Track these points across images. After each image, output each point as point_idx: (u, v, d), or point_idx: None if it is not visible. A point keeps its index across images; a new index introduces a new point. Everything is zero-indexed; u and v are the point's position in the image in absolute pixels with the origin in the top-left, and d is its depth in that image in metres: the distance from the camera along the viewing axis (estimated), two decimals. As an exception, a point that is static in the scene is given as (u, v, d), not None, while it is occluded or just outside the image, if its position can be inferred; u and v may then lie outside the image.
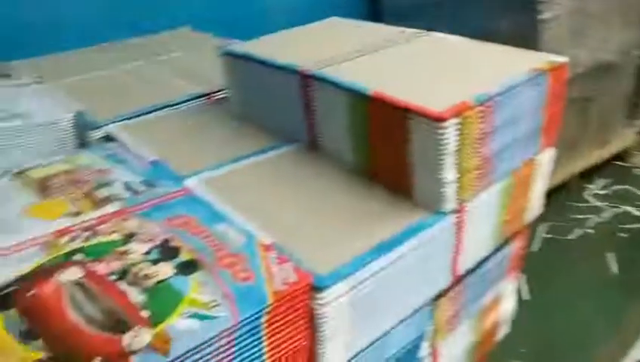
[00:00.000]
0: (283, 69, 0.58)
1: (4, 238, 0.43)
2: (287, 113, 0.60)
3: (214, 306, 0.36)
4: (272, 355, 0.39)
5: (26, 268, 0.39)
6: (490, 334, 0.73)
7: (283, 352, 0.39)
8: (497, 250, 0.61)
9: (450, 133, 0.43)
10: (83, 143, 0.68)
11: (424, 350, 0.57)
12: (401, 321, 0.49)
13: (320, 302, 0.39)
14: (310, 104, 0.56)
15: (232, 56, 0.65)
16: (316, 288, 0.39)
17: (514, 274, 0.70)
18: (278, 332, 0.38)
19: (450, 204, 0.47)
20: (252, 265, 0.40)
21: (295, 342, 0.40)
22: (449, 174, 0.45)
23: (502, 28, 1.07)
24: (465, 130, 0.44)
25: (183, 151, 0.60)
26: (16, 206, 0.48)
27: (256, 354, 0.38)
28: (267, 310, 0.37)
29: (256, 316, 0.36)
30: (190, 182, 0.53)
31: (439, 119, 0.43)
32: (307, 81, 0.55)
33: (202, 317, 0.35)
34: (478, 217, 0.52)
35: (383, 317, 0.47)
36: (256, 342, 0.37)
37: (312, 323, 0.40)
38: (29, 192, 0.50)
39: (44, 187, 0.51)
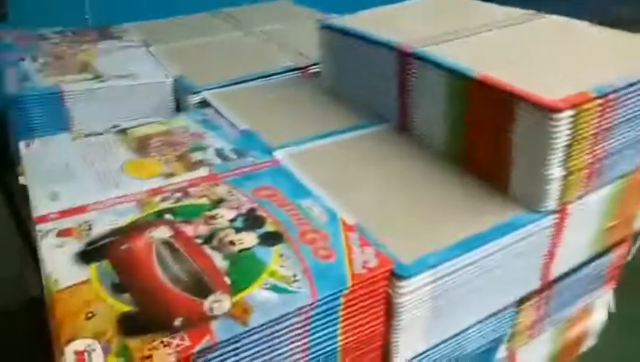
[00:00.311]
0: (381, 44, 0.56)
1: (104, 192, 0.45)
2: (380, 91, 0.58)
3: (294, 281, 0.36)
4: (345, 338, 0.38)
5: (121, 222, 0.41)
6: (575, 344, 0.68)
7: (357, 336, 0.38)
8: (596, 257, 0.56)
9: (562, 125, 0.39)
10: (180, 107, 0.70)
11: (501, 352, 0.54)
12: (482, 320, 0.47)
13: (400, 291, 0.38)
14: (406, 83, 0.54)
15: (329, 29, 0.64)
16: (397, 276, 0.38)
17: (610, 284, 0.65)
18: (353, 316, 0.37)
19: (551, 204, 0.43)
20: (334, 243, 0.39)
21: (370, 327, 0.39)
22: (555, 171, 0.42)
23: (624, 14, 0.97)
24: (580, 124, 0.40)
25: (272, 123, 0.60)
26: (117, 161, 0.50)
27: (331, 335, 0.37)
28: (345, 292, 0.36)
29: (334, 296, 0.36)
30: (278, 154, 0.53)
31: (553, 109, 0.39)
32: (406, 58, 0.53)
33: (281, 291, 0.35)
34: (580, 220, 0.47)
35: (463, 313, 0.44)
36: (331, 323, 0.37)
37: (389, 311, 0.39)
38: (129, 149, 0.53)
39: (142, 145, 0.53)
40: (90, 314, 0.33)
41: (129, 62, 0.74)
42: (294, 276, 0.36)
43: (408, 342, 0.41)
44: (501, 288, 0.46)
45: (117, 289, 0.35)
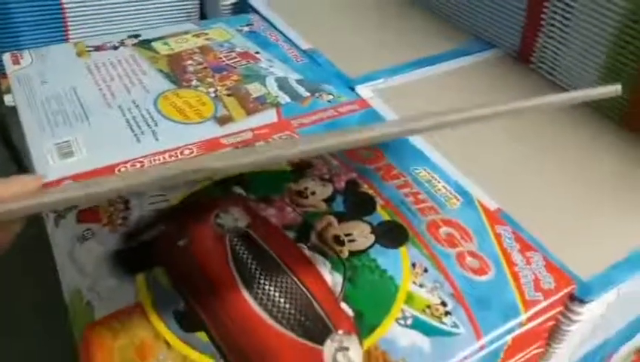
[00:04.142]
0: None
1: (138, 145, 0.31)
2: (498, 6, 0.43)
3: (445, 313, 0.24)
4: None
5: (170, 198, 0.28)
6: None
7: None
8: None
9: None
10: (205, 11, 0.54)
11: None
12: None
13: (575, 317, 0.27)
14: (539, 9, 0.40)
15: None
16: (577, 299, 0.27)
17: None
18: (513, 355, 0.27)
19: None
20: (482, 244, 0.28)
21: (527, 357, 0.28)
22: None
23: None
24: None
25: (346, 42, 0.45)
26: (147, 93, 0.36)
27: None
28: (517, 330, 0.25)
29: (501, 336, 0.25)
30: (363, 90, 0.39)
31: None
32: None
33: (431, 331, 0.23)
34: None
35: (616, 323, 0.34)
36: (488, 368, 0.26)
37: (549, 338, 0.28)
38: (160, 74, 0.38)
39: (177, 67, 0.39)
40: (150, 372, 0.21)
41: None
42: (443, 303, 0.24)
43: (563, 355, 0.31)
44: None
45: (186, 322, 0.23)
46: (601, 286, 0.27)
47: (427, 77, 0.41)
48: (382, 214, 0.29)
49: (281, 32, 0.45)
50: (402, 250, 0.27)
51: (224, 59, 0.41)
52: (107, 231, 0.26)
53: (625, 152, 0.35)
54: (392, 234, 0.27)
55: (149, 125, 0.33)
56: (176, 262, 0.25)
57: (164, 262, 0.25)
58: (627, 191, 0.32)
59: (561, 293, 0.26)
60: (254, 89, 0.37)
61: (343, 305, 0.24)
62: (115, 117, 0.33)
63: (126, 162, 0.30)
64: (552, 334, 0.28)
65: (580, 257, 0.28)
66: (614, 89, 0.22)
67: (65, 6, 0.46)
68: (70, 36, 0.47)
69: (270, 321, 0.23)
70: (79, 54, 0.40)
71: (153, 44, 0.42)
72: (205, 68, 0.39)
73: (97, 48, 0.41)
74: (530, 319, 0.25)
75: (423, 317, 0.24)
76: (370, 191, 0.30)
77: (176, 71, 0.38)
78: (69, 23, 0.47)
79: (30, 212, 0.16)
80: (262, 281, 0.24)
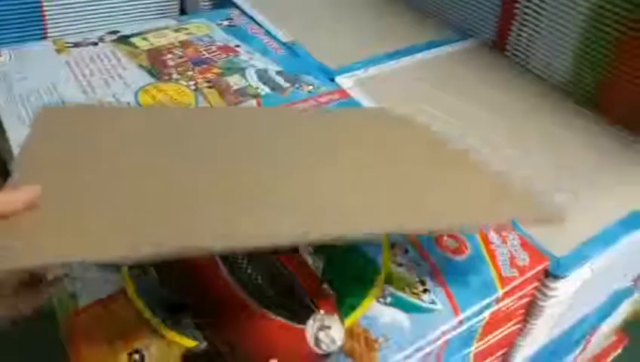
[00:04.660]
0: None
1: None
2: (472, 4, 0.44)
3: (424, 290, 0.25)
4: (475, 354, 0.28)
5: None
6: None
7: (487, 348, 0.29)
8: None
9: None
10: (185, 6, 0.54)
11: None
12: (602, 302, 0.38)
13: (551, 293, 0.28)
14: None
15: None
16: (552, 275, 0.27)
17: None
18: (492, 331, 0.27)
19: None
20: (458, 225, 0.28)
21: (504, 337, 0.29)
22: None
23: None
24: None
25: (325, 34, 0.46)
26: (127, 88, 0.36)
27: (463, 357, 0.27)
28: (494, 306, 0.26)
29: (479, 312, 0.25)
30: (342, 81, 0.40)
31: None
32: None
33: (410, 307, 0.24)
34: None
35: (593, 299, 0.35)
36: (466, 344, 0.27)
37: (527, 314, 0.29)
38: (140, 69, 0.38)
39: (158, 62, 0.39)
40: (135, 356, 0.21)
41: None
42: (422, 282, 0.25)
43: (534, 340, 0.32)
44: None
45: (169, 308, 0.23)
46: (574, 261, 0.28)
47: (405, 66, 0.42)
48: (362, 199, 0.29)
49: (261, 26, 0.46)
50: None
51: (204, 52, 0.41)
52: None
53: (595, 135, 0.36)
54: (372, 218, 0.28)
55: (130, 118, 0.33)
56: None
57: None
58: (597, 170, 0.33)
59: (535, 269, 0.27)
60: (235, 81, 0.38)
61: (325, 286, 0.24)
62: (96, 111, 0.33)
63: (108, 154, 0.30)
64: (529, 310, 0.29)
65: (554, 235, 0.29)
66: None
67: (44, 4, 0.46)
68: (49, 34, 0.47)
69: (253, 303, 0.23)
70: (59, 51, 0.40)
71: (133, 39, 0.42)
72: (185, 61, 0.39)
73: (77, 45, 0.41)
74: (506, 295, 0.26)
75: (402, 295, 0.24)
76: (350, 177, 0.30)
77: (156, 65, 0.39)
78: (47, 21, 0.47)
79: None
80: (245, 265, 0.25)
